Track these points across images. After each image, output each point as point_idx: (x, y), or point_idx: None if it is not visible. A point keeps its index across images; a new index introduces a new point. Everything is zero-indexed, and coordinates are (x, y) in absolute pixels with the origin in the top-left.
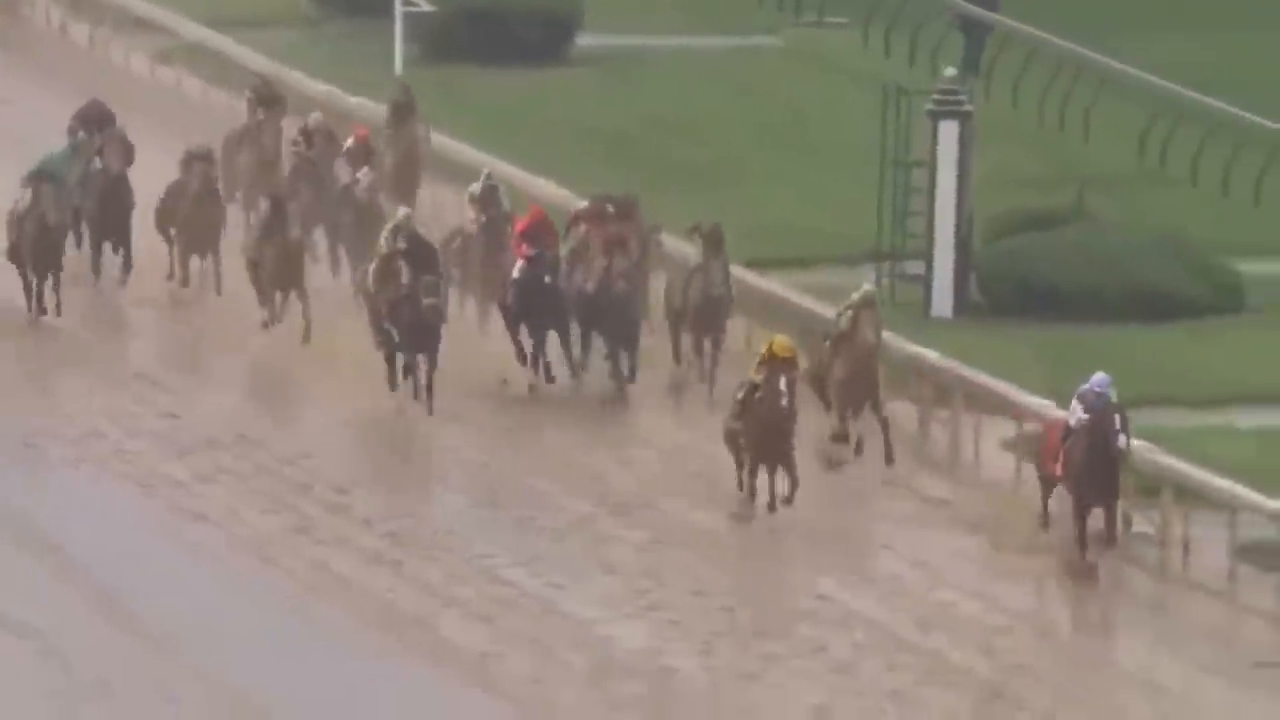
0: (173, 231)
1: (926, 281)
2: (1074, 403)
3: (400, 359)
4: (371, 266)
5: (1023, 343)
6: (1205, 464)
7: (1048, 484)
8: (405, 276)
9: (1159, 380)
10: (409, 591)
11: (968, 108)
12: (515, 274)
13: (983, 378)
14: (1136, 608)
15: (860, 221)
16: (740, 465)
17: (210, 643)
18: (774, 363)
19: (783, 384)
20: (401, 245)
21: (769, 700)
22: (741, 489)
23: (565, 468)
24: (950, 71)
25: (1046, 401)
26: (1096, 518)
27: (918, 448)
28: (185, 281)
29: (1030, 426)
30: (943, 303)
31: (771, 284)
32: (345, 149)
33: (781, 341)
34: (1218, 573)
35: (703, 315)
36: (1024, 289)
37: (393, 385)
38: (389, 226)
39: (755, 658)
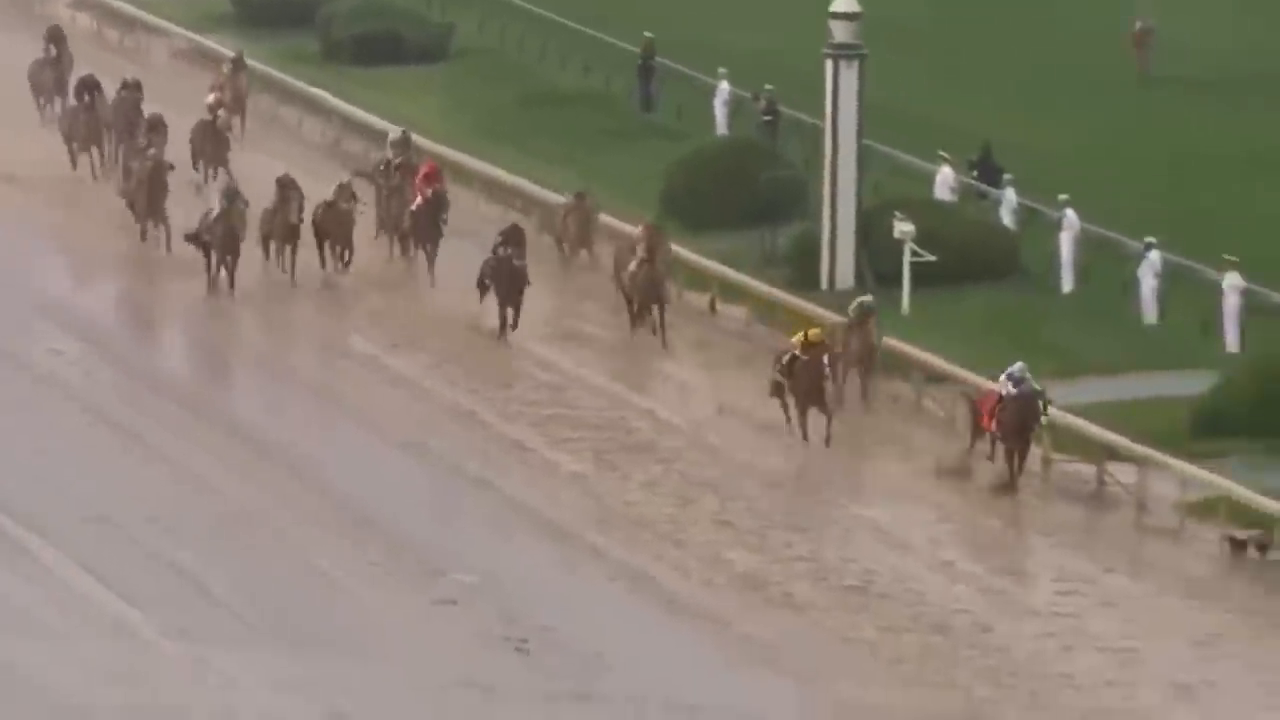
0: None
1: None
2: (1004, 380)
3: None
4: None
5: None
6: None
7: (978, 433)
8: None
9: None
10: None
11: None
12: (413, 207)
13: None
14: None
15: None
16: (786, 411)
17: None
18: (815, 345)
19: (825, 361)
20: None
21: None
22: (789, 421)
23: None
24: None
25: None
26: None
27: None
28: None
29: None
30: None
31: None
32: (209, 101)
33: (816, 331)
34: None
35: (652, 287)
36: None
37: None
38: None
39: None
